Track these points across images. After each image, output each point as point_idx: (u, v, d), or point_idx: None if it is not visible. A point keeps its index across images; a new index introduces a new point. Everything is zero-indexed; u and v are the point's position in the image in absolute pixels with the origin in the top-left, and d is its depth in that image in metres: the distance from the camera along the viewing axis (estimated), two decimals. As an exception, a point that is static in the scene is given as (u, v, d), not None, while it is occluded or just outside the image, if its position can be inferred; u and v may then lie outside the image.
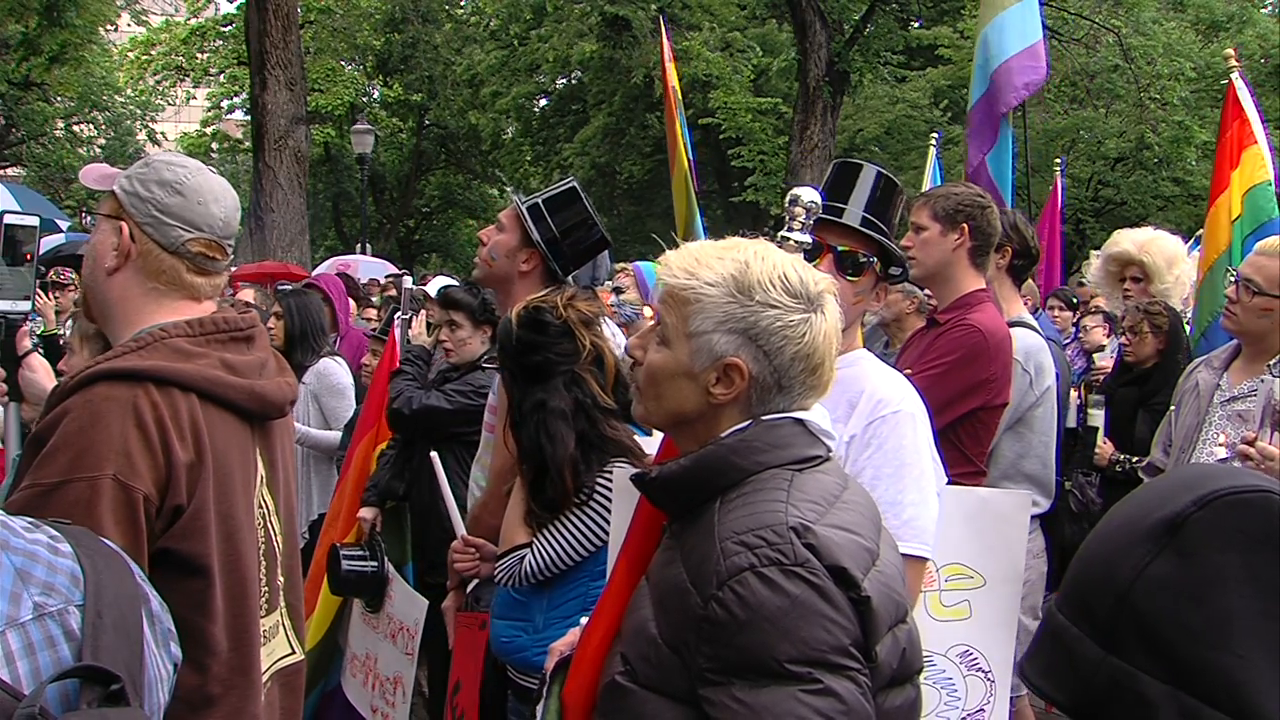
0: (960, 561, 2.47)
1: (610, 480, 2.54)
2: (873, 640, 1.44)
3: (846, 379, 2.03)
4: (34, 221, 2.28)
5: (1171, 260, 5.17)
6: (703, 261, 1.59)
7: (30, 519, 1.07)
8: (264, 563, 1.99)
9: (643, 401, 1.66)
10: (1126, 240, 5.34)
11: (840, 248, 2.32)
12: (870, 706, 1.42)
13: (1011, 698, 3.61)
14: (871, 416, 2.14)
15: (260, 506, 2.00)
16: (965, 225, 3.22)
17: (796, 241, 1.93)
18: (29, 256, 2.26)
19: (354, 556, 3.85)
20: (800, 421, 1.60)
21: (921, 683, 1.63)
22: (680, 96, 8.77)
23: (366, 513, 4.13)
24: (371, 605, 3.92)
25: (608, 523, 2.48)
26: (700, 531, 1.52)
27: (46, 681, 0.93)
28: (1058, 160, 9.80)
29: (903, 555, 1.70)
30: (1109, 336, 6.37)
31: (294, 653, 2.14)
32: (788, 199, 2.01)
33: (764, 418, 1.58)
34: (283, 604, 2.10)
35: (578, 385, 2.60)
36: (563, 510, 2.57)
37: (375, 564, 3.84)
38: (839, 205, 2.34)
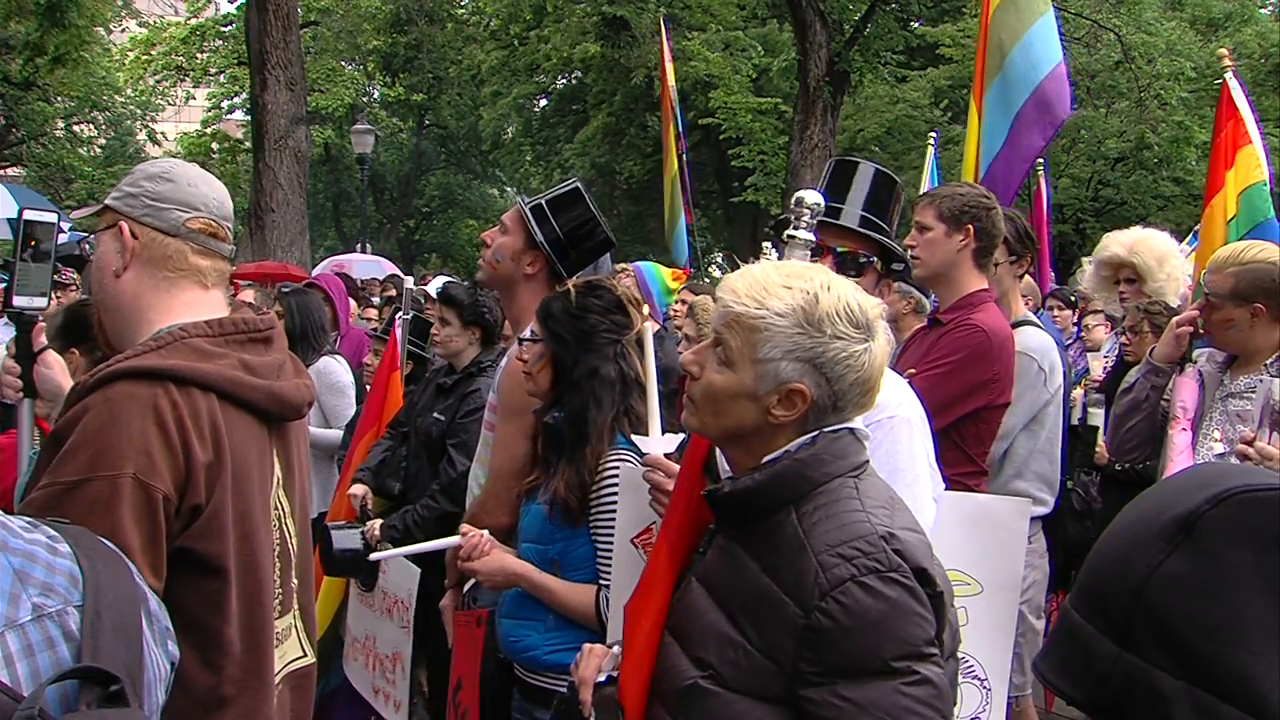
0: (957, 568, 2.45)
1: (606, 484, 2.55)
2: (943, 627, 1.57)
3: None
4: (52, 218, 2.25)
5: (1162, 258, 5.11)
6: (770, 290, 1.65)
7: (29, 519, 1.07)
8: (278, 565, 1.98)
9: (699, 415, 1.73)
10: (1115, 244, 5.25)
11: (840, 249, 2.34)
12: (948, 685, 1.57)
13: (1014, 697, 3.62)
14: (866, 420, 2.14)
15: (276, 508, 2.00)
16: (970, 226, 3.20)
17: (803, 240, 2.02)
18: (47, 254, 2.23)
19: (345, 535, 3.84)
20: (853, 431, 1.70)
21: None
22: (677, 99, 8.77)
23: (357, 489, 4.12)
24: (366, 584, 3.92)
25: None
26: (783, 544, 1.60)
27: (46, 683, 0.93)
28: (1040, 160, 9.66)
29: None
30: (1110, 335, 6.37)
31: (305, 655, 2.14)
32: (793, 200, 2.09)
33: (825, 430, 1.67)
34: (295, 606, 2.10)
35: (623, 359, 2.64)
36: (589, 488, 2.56)
37: (365, 542, 3.83)
38: (837, 205, 2.35)
